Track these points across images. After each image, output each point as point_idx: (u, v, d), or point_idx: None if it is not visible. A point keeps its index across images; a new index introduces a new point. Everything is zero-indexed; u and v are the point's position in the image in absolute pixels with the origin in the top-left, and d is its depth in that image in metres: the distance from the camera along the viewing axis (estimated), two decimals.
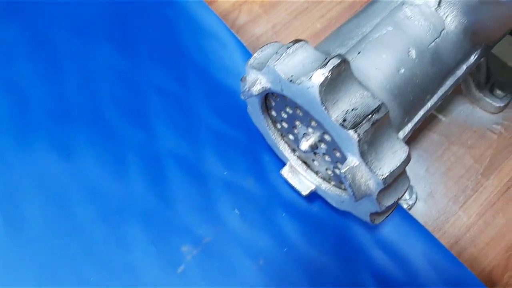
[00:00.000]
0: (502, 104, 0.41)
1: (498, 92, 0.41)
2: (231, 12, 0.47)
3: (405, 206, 0.38)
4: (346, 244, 0.37)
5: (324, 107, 0.24)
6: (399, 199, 0.27)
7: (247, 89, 0.29)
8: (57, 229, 0.37)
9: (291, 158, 0.34)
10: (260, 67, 0.28)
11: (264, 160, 0.40)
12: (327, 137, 0.28)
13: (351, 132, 0.24)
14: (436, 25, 0.29)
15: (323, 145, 0.29)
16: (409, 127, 0.29)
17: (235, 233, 0.38)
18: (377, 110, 0.24)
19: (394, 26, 0.29)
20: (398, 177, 0.26)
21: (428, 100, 0.30)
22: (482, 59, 0.35)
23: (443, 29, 0.29)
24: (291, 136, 0.33)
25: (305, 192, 0.34)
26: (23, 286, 0.35)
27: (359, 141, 0.24)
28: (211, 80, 0.43)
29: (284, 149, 0.34)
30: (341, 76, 0.25)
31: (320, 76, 0.24)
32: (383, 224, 0.37)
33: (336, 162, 0.29)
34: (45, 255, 0.36)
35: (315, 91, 0.24)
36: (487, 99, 0.41)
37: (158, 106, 0.42)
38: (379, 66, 0.27)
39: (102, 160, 0.40)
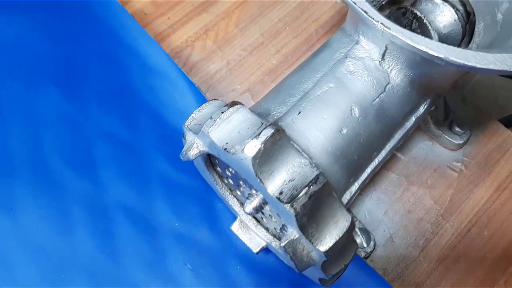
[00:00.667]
0: (461, 142, 0.40)
1: (457, 129, 0.40)
2: (184, 49, 0.45)
3: (362, 254, 0.37)
4: None
5: (258, 179, 0.23)
6: (346, 266, 0.26)
7: (184, 152, 0.27)
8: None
9: (241, 213, 0.33)
10: (196, 130, 0.27)
11: (218, 209, 0.39)
12: None
13: (287, 206, 0.22)
14: (380, 79, 0.28)
15: (267, 207, 0.28)
16: (355, 186, 0.28)
17: None
18: (315, 180, 0.23)
19: (336, 83, 0.27)
20: (344, 245, 0.25)
21: (376, 157, 0.29)
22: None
23: (388, 83, 0.28)
24: (239, 192, 0.32)
25: (256, 249, 0.32)
26: None
27: (296, 215, 0.22)
28: (162, 123, 0.42)
29: (233, 203, 0.33)
30: (276, 145, 0.23)
31: (252, 148, 0.23)
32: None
33: (283, 224, 0.28)
34: None
35: (249, 163, 0.23)
36: (446, 136, 0.40)
37: (106, 153, 0.41)
38: (320, 127, 0.26)
39: (45, 215, 0.38)
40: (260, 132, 0.23)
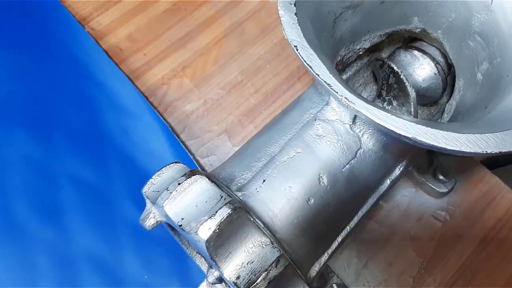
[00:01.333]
0: (446, 190, 0.39)
1: (441, 177, 0.39)
2: (160, 87, 0.44)
3: None
4: None
5: (214, 262, 0.21)
6: None
7: (141, 221, 0.26)
8: None
9: (209, 274, 0.31)
10: (154, 198, 0.25)
11: (189, 261, 0.37)
12: None
13: None
14: (351, 144, 0.26)
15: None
16: (325, 256, 0.27)
17: None
18: (275, 263, 0.22)
19: (304, 148, 0.26)
20: None
21: (347, 224, 0.27)
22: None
23: (359, 148, 0.26)
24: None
25: None
26: None
27: None
28: (134, 168, 0.41)
29: (200, 263, 0.32)
30: (234, 224, 0.22)
31: (207, 230, 0.21)
32: None
33: None
34: None
35: (203, 246, 0.21)
36: (430, 184, 0.39)
37: (74, 199, 0.39)
38: (286, 198, 0.25)
39: (8, 264, 0.36)
40: (216, 212, 0.21)
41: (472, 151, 0.20)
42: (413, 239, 0.38)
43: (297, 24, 0.23)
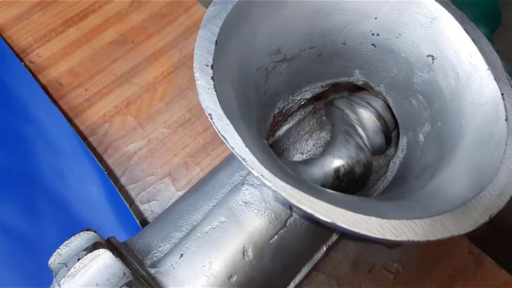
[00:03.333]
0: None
1: None
2: (101, 126, 0.42)
3: None
4: None
5: None
6: None
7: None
8: None
9: None
10: (56, 270, 0.23)
11: None
12: None
13: None
14: (280, 212, 0.24)
15: None
16: None
17: None
18: None
19: (229, 216, 0.24)
20: None
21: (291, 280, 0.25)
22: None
23: (290, 217, 0.24)
24: None
25: None
26: None
27: None
28: (69, 216, 0.38)
29: None
30: None
31: None
32: None
33: None
34: None
35: None
36: None
37: (2, 250, 0.36)
38: (205, 276, 0.23)
39: None
40: None
41: (397, 239, 0.18)
42: None
43: (213, 89, 0.21)
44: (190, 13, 0.48)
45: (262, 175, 0.19)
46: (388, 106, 0.30)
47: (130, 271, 0.21)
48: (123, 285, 0.20)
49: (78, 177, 0.39)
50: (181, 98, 0.44)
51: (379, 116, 0.29)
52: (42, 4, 0.47)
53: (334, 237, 0.27)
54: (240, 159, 0.20)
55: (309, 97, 0.30)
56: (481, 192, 0.20)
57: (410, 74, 0.26)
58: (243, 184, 0.25)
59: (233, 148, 0.20)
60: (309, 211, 0.19)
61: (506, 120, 0.21)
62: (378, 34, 0.26)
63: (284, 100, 0.29)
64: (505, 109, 0.21)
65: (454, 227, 0.19)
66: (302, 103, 0.30)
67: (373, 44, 0.27)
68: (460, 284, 0.38)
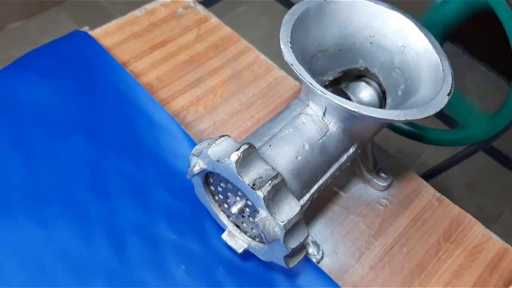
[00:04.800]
0: (386, 184, 0.55)
1: (383, 175, 0.55)
2: (181, 112, 0.60)
3: (314, 260, 0.50)
4: None
5: (239, 176, 0.37)
6: (301, 243, 0.39)
7: (190, 170, 0.41)
8: (34, 284, 0.46)
9: (228, 224, 0.46)
10: (199, 154, 0.40)
11: (205, 227, 0.51)
12: (249, 202, 0.40)
13: (258, 192, 0.36)
14: (322, 128, 0.43)
15: (247, 209, 0.41)
16: (307, 197, 0.42)
17: (182, 283, 0.48)
18: (275, 177, 0.37)
19: (294, 129, 0.42)
20: (297, 226, 0.38)
21: (320, 179, 0.43)
22: (369, 148, 0.50)
23: (327, 131, 0.43)
24: (225, 205, 0.45)
25: (240, 250, 0.45)
26: None
27: (264, 198, 0.36)
28: (164, 165, 0.55)
29: (222, 217, 0.46)
30: (250, 156, 0.37)
31: (235, 156, 0.37)
32: (298, 274, 0.49)
33: (256, 224, 0.41)
34: None
35: (233, 166, 0.37)
36: (375, 180, 0.55)
37: (120, 186, 0.53)
38: (283, 155, 0.41)
39: (72, 230, 0.49)
40: (239, 148, 0.37)
41: (399, 118, 0.37)
42: (364, 217, 0.54)
43: (291, 53, 0.40)
44: (236, 45, 0.68)
45: (321, 91, 0.38)
46: (379, 84, 0.49)
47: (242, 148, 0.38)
48: (241, 145, 0.37)
49: (170, 141, 0.56)
50: (233, 97, 0.62)
51: (374, 90, 0.48)
52: (136, 35, 0.66)
53: (351, 150, 0.45)
54: (310, 85, 0.38)
55: (331, 79, 0.49)
56: (431, 101, 0.39)
57: (391, 58, 0.46)
58: (300, 114, 0.43)
59: (305, 79, 0.39)
60: (347, 106, 0.37)
61: (442, 70, 0.41)
62: (373, 37, 0.46)
63: (316, 79, 0.48)
64: (442, 66, 0.41)
65: (421, 112, 0.38)
66: (326, 83, 0.49)
67: (370, 43, 0.47)
68: (427, 215, 0.55)
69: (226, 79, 0.64)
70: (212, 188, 0.45)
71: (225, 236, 0.46)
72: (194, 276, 0.48)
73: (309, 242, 0.50)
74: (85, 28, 0.65)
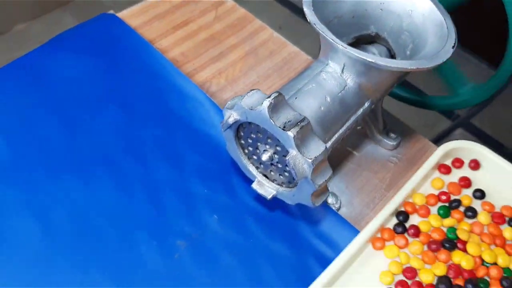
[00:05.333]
0: (395, 143, 0.60)
1: (392, 135, 0.60)
2: (205, 84, 0.65)
3: (334, 208, 0.54)
4: (296, 237, 0.53)
5: (271, 120, 0.41)
6: (326, 181, 0.43)
7: (225, 122, 0.46)
8: (81, 235, 0.50)
9: (257, 174, 0.50)
10: (232, 107, 0.45)
11: (233, 182, 0.56)
12: (278, 148, 0.45)
13: (289, 132, 0.41)
14: (341, 83, 0.48)
15: (276, 156, 0.46)
16: (329, 144, 0.47)
17: (215, 231, 0.52)
18: (302, 120, 0.42)
19: (316, 84, 0.47)
20: (323, 164, 0.43)
21: (340, 129, 0.48)
22: (379, 109, 0.55)
23: (346, 85, 0.48)
24: (255, 157, 0.50)
25: (269, 196, 0.49)
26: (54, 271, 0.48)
27: (293, 137, 0.41)
28: (193, 130, 0.60)
29: (251, 168, 0.51)
30: (280, 103, 0.42)
31: (267, 102, 0.41)
32: (319, 221, 0.53)
33: (286, 166, 0.46)
34: (72, 253, 0.49)
35: (265, 111, 0.41)
36: (385, 140, 0.60)
37: (155, 149, 0.58)
38: (308, 105, 0.45)
39: (114, 187, 0.54)
40: (270, 95, 0.42)
41: (412, 67, 0.42)
42: (376, 172, 0.59)
43: (314, 14, 0.45)
44: (252, 24, 0.73)
45: (343, 45, 0.43)
46: (388, 48, 0.54)
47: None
48: (269, 97, 0.42)
49: (198, 108, 0.61)
50: (251, 71, 0.67)
51: (384, 53, 0.53)
52: (159, 16, 0.71)
53: (366, 105, 0.50)
54: (332, 41, 0.43)
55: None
56: (438, 53, 0.44)
57: (400, 22, 0.51)
58: (321, 72, 0.48)
59: (327, 36, 0.44)
60: (365, 57, 0.42)
61: (447, 28, 0.46)
62: (383, 3, 0.51)
63: None
64: (446, 23, 0.46)
65: (430, 62, 0.42)
66: None
67: (381, 9, 0.52)
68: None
69: (244, 55, 0.69)
70: (242, 141, 0.49)
71: (255, 185, 0.51)
72: (226, 224, 0.53)
73: (329, 193, 0.55)
74: (110, 11, 0.70)
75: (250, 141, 0.48)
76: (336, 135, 0.48)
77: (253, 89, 0.45)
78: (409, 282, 0.48)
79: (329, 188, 0.54)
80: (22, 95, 0.60)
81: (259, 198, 0.55)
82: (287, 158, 0.42)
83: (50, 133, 0.57)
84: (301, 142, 0.42)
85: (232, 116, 0.46)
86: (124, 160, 0.57)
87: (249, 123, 0.46)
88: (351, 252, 0.48)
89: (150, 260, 0.50)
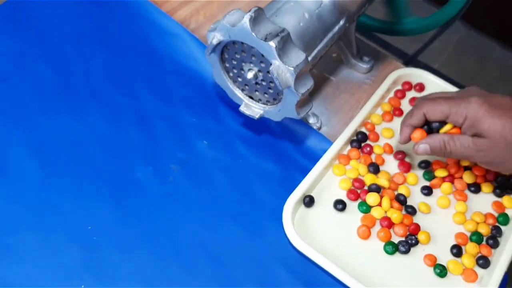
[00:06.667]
0: (368, 66, 0.62)
1: (365, 58, 0.62)
2: (184, 22, 0.65)
3: (315, 127, 0.57)
4: (282, 155, 0.55)
5: (253, 33, 0.42)
6: (308, 90, 0.45)
7: (209, 44, 0.47)
8: (79, 165, 0.51)
9: (243, 97, 0.52)
10: (215, 29, 0.46)
11: (220, 111, 0.57)
12: (262, 64, 0.46)
13: (270, 42, 0.42)
14: (318, 0, 0.49)
15: (260, 73, 0.47)
16: (309, 58, 0.48)
17: (206, 155, 0.54)
18: (282, 31, 0.43)
19: (294, 2, 0.48)
20: (304, 75, 0.44)
21: (319, 44, 0.49)
22: (352, 34, 0.56)
23: (322, 3, 0.49)
24: (240, 79, 0.51)
25: (257, 116, 0.51)
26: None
27: (275, 47, 0.42)
28: (178, 65, 0.61)
29: (237, 92, 0.52)
30: (260, 17, 0.43)
31: (248, 16, 0.42)
32: (302, 140, 0.55)
33: (270, 82, 0.48)
34: (72, 182, 0.50)
35: (247, 25, 0.42)
36: (359, 64, 0.62)
37: (144, 85, 0.58)
38: (288, 21, 0.47)
39: (108, 121, 0.55)
40: (250, 10, 0.43)
41: None
42: (352, 94, 0.61)
43: None
44: None
45: None
46: None
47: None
48: (250, 11, 0.43)
49: (181, 44, 0.62)
50: (229, 7, 0.67)
51: None
52: None
53: (341, 23, 0.51)
54: None
55: None
56: None
57: None
58: None
59: None
60: None
61: None
62: None
63: None
64: None
65: None
66: None
67: None
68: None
69: None
70: (227, 64, 0.50)
71: (242, 108, 0.52)
72: (216, 147, 0.55)
73: (309, 114, 0.57)
74: None
75: (234, 62, 0.49)
76: (316, 51, 0.49)
77: (235, 9, 0.46)
78: (359, 191, 0.53)
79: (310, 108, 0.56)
80: (15, 37, 0.60)
81: (246, 123, 0.57)
82: (270, 68, 0.43)
83: (44, 73, 0.58)
84: (282, 52, 0.43)
85: (215, 37, 0.47)
86: (115, 96, 0.57)
87: (233, 43, 0.47)
88: (322, 165, 0.52)
89: (147, 183, 0.51)
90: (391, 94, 0.61)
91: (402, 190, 0.52)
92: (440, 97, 0.48)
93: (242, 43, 0.46)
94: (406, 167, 0.54)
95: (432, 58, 1.33)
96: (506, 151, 0.43)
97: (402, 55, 1.27)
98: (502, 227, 0.51)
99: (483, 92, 0.47)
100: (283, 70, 0.43)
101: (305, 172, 0.52)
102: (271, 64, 0.44)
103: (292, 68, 0.43)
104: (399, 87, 0.62)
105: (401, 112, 0.59)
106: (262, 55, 0.45)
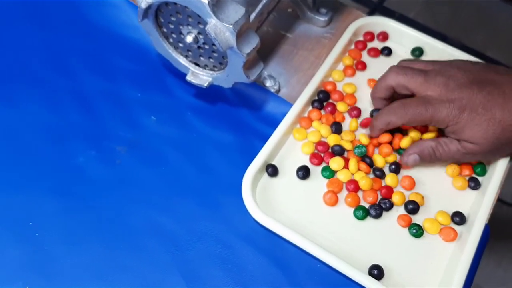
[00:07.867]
0: (326, 18, 0.56)
1: (322, 10, 0.56)
2: None
3: (273, 90, 0.51)
4: (239, 124, 0.50)
5: None
6: (254, 48, 0.40)
7: (139, 9, 0.41)
8: (17, 154, 0.46)
9: (189, 65, 0.46)
10: None
11: (167, 83, 0.52)
12: (201, 26, 0.41)
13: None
14: None
15: (201, 36, 0.42)
16: (253, 15, 0.43)
17: (155, 131, 0.49)
18: None
19: None
20: (248, 32, 0.39)
21: (260, 3, 0.43)
22: None
23: None
24: (181, 44, 0.45)
25: (205, 84, 0.46)
26: None
27: (208, 3, 0.36)
28: (116, 36, 0.55)
29: (182, 59, 0.46)
30: None
31: None
32: (261, 106, 0.50)
33: (213, 45, 0.42)
34: (10, 175, 0.45)
35: None
36: (316, 17, 0.56)
37: (81, 62, 0.53)
38: None
39: (45, 104, 0.50)
40: None
41: None
42: (311, 50, 0.56)
43: None
44: None
45: None
46: None
47: None
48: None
49: (119, 15, 0.55)
50: None
51: None
52: None
53: None
54: None
55: None
56: None
57: None
58: None
59: None
60: None
61: None
62: None
63: None
64: None
65: None
66: None
67: None
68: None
69: None
70: (165, 29, 0.45)
71: (189, 77, 0.47)
72: (165, 122, 0.49)
73: (266, 76, 0.52)
74: None
75: (171, 26, 0.44)
76: (261, 5, 0.44)
77: None
78: (322, 154, 0.48)
79: (265, 72, 0.51)
80: None
81: (197, 94, 0.51)
82: (207, 28, 0.38)
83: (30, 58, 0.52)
84: (217, 8, 0.37)
85: (144, 1, 0.41)
86: (49, 77, 0.51)
87: (166, 4, 0.41)
88: (282, 130, 0.47)
89: (91, 169, 0.46)
90: (352, 47, 0.56)
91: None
92: (415, 72, 0.45)
93: (175, 3, 0.40)
94: (366, 124, 0.49)
95: (406, 8, 1.28)
96: (495, 150, 0.43)
97: (368, 3, 1.21)
98: (480, 178, 0.47)
99: (467, 66, 0.44)
100: (221, 29, 0.38)
101: (265, 139, 0.47)
102: (207, 24, 0.38)
103: (231, 26, 0.37)
104: (361, 38, 0.57)
105: (363, 66, 0.54)
106: (199, 15, 0.39)
